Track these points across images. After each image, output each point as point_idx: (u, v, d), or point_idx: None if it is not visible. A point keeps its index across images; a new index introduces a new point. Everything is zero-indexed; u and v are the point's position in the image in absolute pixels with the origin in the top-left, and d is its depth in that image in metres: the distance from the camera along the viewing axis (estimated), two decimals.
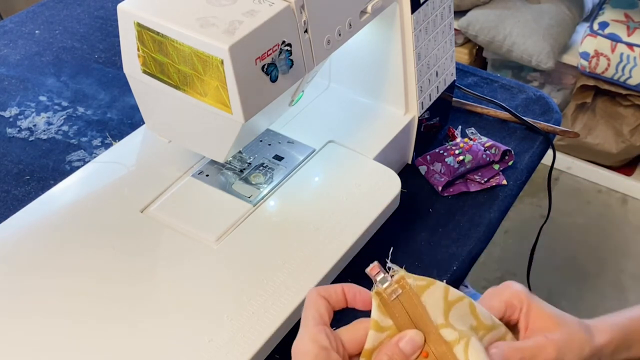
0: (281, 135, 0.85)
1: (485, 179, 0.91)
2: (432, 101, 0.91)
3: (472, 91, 1.03)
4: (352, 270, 0.73)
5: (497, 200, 0.90)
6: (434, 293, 0.50)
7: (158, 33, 0.64)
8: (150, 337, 0.65)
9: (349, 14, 0.74)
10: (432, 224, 0.87)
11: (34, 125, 0.99)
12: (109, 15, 1.23)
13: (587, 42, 1.86)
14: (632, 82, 1.84)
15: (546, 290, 1.79)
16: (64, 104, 1.03)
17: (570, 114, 1.99)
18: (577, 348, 0.54)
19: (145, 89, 0.71)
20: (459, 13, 2.00)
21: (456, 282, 0.82)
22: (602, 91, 1.95)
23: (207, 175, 0.80)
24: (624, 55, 1.81)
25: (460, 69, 1.10)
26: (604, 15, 1.89)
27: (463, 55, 2.07)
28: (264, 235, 0.74)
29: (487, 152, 0.92)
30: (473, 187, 0.91)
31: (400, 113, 0.89)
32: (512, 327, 0.55)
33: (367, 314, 0.51)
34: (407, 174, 0.92)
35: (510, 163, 0.94)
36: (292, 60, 0.67)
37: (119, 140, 0.90)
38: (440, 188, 0.90)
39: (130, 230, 0.74)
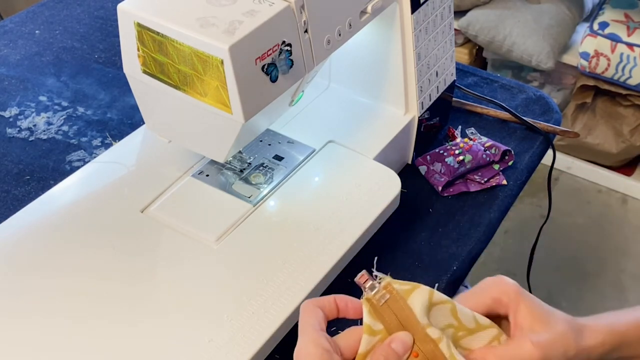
0: (281, 135, 0.85)
1: (485, 179, 0.91)
2: (432, 101, 0.91)
3: (472, 91, 1.03)
4: (352, 270, 0.73)
5: (497, 200, 0.90)
6: (419, 296, 0.53)
7: (158, 33, 0.64)
8: (150, 337, 0.65)
9: (349, 14, 0.74)
10: (432, 224, 0.87)
11: (34, 125, 0.99)
12: (109, 15, 1.23)
13: (587, 42, 1.86)
14: (632, 82, 1.84)
15: (546, 290, 1.79)
16: (64, 104, 1.03)
17: (570, 114, 1.99)
18: (562, 347, 0.53)
19: (145, 89, 0.71)
20: (459, 13, 2.00)
21: (456, 282, 0.82)
22: (602, 91, 1.95)
23: (207, 175, 0.80)
24: (624, 55, 1.81)
25: (460, 69, 1.10)
26: (604, 15, 1.89)
27: (463, 55, 2.07)
28: (264, 235, 0.74)
29: (487, 152, 0.92)
30: (473, 187, 0.91)
31: (400, 113, 0.89)
32: (504, 320, 0.56)
33: (358, 323, 0.53)
34: (407, 174, 0.92)
35: (510, 163, 0.94)
36: (292, 60, 0.67)
37: (119, 140, 0.90)
38: (440, 188, 0.90)
39: (130, 230, 0.74)
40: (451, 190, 0.91)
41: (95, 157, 0.92)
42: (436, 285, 0.79)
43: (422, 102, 0.89)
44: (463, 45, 2.07)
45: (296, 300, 0.67)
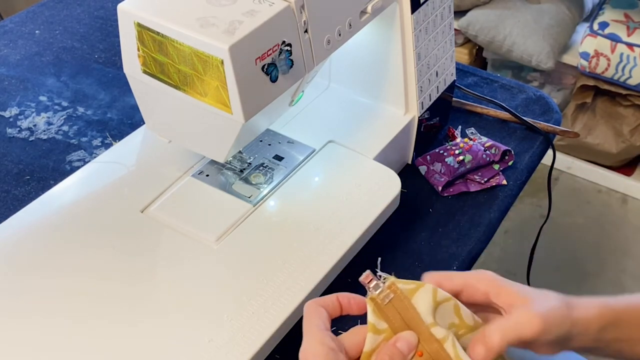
0: (281, 135, 0.85)
1: (485, 179, 0.91)
2: (432, 101, 0.91)
3: (472, 91, 1.03)
4: (352, 270, 0.73)
5: (497, 200, 0.90)
6: (423, 295, 0.53)
7: (158, 33, 0.64)
8: (150, 337, 0.65)
9: (349, 14, 0.74)
10: (432, 224, 0.87)
11: (34, 125, 0.99)
12: (109, 15, 1.23)
13: (587, 42, 1.86)
14: (632, 82, 1.84)
15: None
16: (64, 104, 1.03)
17: (570, 114, 1.99)
18: (559, 319, 0.53)
19: (145, 89, 0.71)
20: (459, 13, 2.00)
21: None
22: (602, 91, 1.95)
23: (207, 175, 0.80)
24: (624, 55, 1.81)
25: (460, 69, 1.10)
26: (604, 15, 1.88)
27: (463, 55, 2.07)
28: (264, 235, 0.74)
29: (487, 152, 0.92)
30: (473, 187, 0.91)
31: (400, 113, 0.89)
32: (481, 308, 0.56)
33: (363, 320, 0.53)
34: (407, 174, 0.92)
35: (510, 163, 0.94)
36: (292, 60, 0.67)
37: (119, 140, 0.90)
38: (440, 188, 0.90)
39: (130, 230, 0.74)
40: (451, 190, 0.91)
41: (95, 157, 0.92)
42: None
43: (422, 102, 0.89)
44: (463, 45, 2.07)
45: (296, 300, 0.67)
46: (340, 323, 0.58)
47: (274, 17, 0.63)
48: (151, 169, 0.81)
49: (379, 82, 0.88)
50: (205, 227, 0.74)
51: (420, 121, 0.90)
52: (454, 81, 0.96)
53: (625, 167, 2.06)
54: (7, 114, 1.01)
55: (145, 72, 0.68)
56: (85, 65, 1.11)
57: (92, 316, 0.66)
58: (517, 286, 0.55)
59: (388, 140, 0.86)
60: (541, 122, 1.01)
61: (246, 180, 0.79)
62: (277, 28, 0.64)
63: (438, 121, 0.96)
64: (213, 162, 0.81)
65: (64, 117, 1.01)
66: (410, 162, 0.94)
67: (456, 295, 0.55)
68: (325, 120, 0.88)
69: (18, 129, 0.99)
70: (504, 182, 0.92)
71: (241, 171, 0.80)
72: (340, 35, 0.73)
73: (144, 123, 0.80)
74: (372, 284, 0.53)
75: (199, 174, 0.80)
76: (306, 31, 0.68)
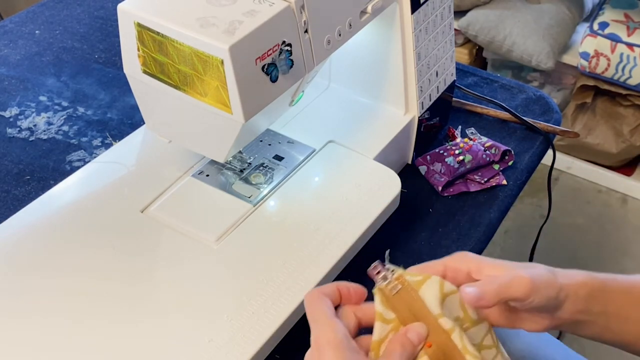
0: (281, 135, 0.85)
1: (485, 179, 0.91)
2: (432, 101, 0.91)
3: (472, 91, 1.03)
4: (352, 270, 0.73)
5: (497, 200, 0.90)
6: (430, 287, 0.54)
7: (158, 33, 0.64)
8: (150, 337, 0.65)
9: (349, 14, 0.74)
10: (432, 224, 0.87)
11: (34, 125, 0.99)
12: (109, 15, 1.23)
13: (587, 42, 1.86)
14: (632, 82, 1.84)
15: None
16: (64, 104, 1.03)
17: (570, 114, 1.99)
18: (547, 282, 0.53)
19: (145, 89, 0.71)
20: (459, 13, 2.00)
21: None
22: (602, 91, 1.95)
23: (207, 175, 0.80)
24: (624, 55, 1.81)
25: (460, 69, 1.10)
26: (604, 15, 1.89)
27: (463, 55, 2.07)
28: (264, 235, 0.74)
29: (487, 152, 0.92)
30: (473, 187, 0.91)
31: (400, 113, 0.89)
32: None
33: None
34: (407, 174, 0.92)
35: (510, 163, 0.94)
36: (292, 60, 0.67)
37: (119, 140, 0.90)
38: (440, 188, 0.90)
39: (130, 230, 0.74)
40: (451, 190, 0.91)
41: (95, 157, 0.92)
42: None
43: (422, 102, 0.89)
44: (463, 45, 2.07)
45: (296, 300, 0.67)
46: None
47: (274, 17, 0.63)
48: (151, 169, 0.81)
49: (379, 82, 0.88)
50: (205, 227, 0.74)
51: (420, 121, 0.90)
52: (454, 81, 0.96)
53: (625, 167, 2.06)
54: (7, 114, 1.01)
55: (145, 72, 0.68)
56: (85, 65, 1.11)
57: (92, 316, 0.66)
58: (499, 261, 0.56)
59: (388, 140, 0.86)
60: (541, 122, 1.01)
61: (246, 180, 0.79)
62: (277, 28, 0.64)
63: (438, 121, 0.96)
64: (213, 162, 0.81)
65: (64, 117, 1.01)
66: (410, 162, 0.94)
67: None
68: (325, 120, 0.88)
69: (18, 129, 0.99)
70: (504, 182, 0.92)
71: (241, 171, 0.80)
72: (340, 35, 0.73)
73: (144, 123, 0.80)
74: (380, 275, 0.54)
75: (199, 174, 0.80)
76: (306, 31, 0.68)
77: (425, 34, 0.85)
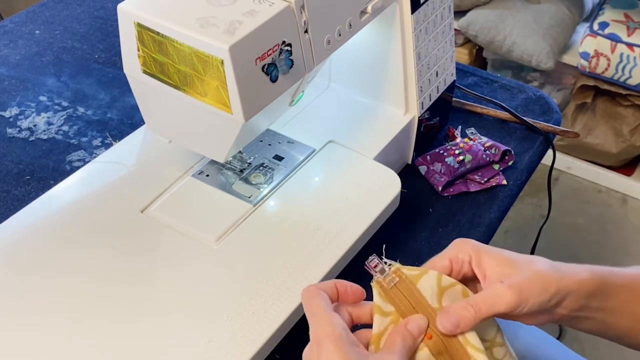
0: (281, 135, 0.85)
1: (485, 179, 0.91)
2: (432, 101, 0.91)
3: (472, 91, 1.03)
4: (352, 270, 0.73)
5: (497, 200, 0.90)
6: (428, 280, 0.54)
7: (158, 33, 0.64)
8: (150, 337, 0.65)
9: (349, 14, 0.74)
10: (432, 224, 0.87)
11: (34, 125, 0.99)
12: (109, 15, 1.23)
13: (587, 42, 1.86)
14: (632, 82, 1.84)
15: None
16: (64, 104, 1.03)
17: (570, 114, 1.99)
18: (541, 286, 0.52)
19: (145, 89, 0.71)
20: (459, 13, 2.00)
21: None
22: (602, 91, 1.95)
23: (207, 175, 0.80)
24: (624, 55, 1.81)
25: (460, 69, 1.10)
26: (604, 15, 1.89)
27: (463, 55, 2.07)
28: (264, 235, 0.74)
29: (487, 152, 0.92)
30: (473, 187, 0.91)
31: (400, 113, 0.89)
32: (472, 281, 0.56)
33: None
34: (407, 174, 0.92)
35: (510, 163, 0.94)
36: (292, 60, 0.67)
37: (119, 140, 0.90)
38: (440, 188, 0.90)
39: (130, 230, 0.74)
40: (451, 190, 0.91)
41: (95, 157, 0.92)
42: None
43: (422, 102, 0.89)
44: (463, 45, 2.07)
45: (296, 300, 0.67)
46: None
47: (274, 17, 0.63)
48: (151, 169, 0.81)
49: (379, 82, 0.88)
50: (205, 227, 0.74)
51: (420, 121, 0.90)
52: (454, 81, 0.96)
53: (625, 167, 2.06)
54: (7, 114, 1.01)
55: (145, 72, 0.68)
56: (85, 65, 1.11)
57: (92, 316, 0.66)
58: (498, 256, 0.54)
59: (388, 140, 0.86)
60: (541, 122, 1.01)
61: (246, 180, 0.79)
62: (277, 28, 0.64)
63: (438, 121, 0.96)
64: (213, 162, 0.81)
65: (64, 117, 1.01)
66: (410, 162, 0.94)
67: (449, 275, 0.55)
68: (325, 120, 0.88)
69: (18, 129, 0.99)
70: (504, 182, 0.92)
71: (241, 171, 0.80)
72: (340, 35, 0.73)
73: (144, 123, 0.80)
74: (377, 268, 0.54)
75: (199, 174, 0.80)
76: (306, 31, 0.68)
77: (425, 34, 0.85)
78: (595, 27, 1.86)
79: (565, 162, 2.09)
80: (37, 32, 1.18)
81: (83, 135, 0.98)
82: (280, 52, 0.65)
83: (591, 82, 1.93)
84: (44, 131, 0.98)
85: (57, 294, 0.68)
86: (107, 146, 0.95)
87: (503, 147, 0.93)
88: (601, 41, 1.83)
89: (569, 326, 0.57)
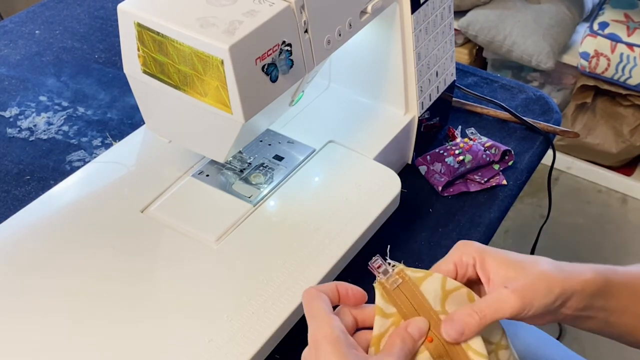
0: (281, 135, 0.85)
1: (485, 179, 0.91)
2: (432, 101, 0.91)
3: (472, 91, 1.03)
4: (352, 270, 0.73)
5: (497, 200, 0.90)
6: (432, 283, 0.54)
7: (158, 33, 0.64)
8: (150, 337, 0.65)
9: (349, 14, 0.74)
10: (432, 224, 0.87)
11: (34, 125, 0.99)
12: (109, 15, 1.23)
13: (587, 42, 1.86)
14: (632, 82, 1.84)
15: None
16: (64, 104, 1.03)
17: (570, 114, 1.99)
18: (545, 288, 0.52)
19: (145, 89, 0.71)
20: (459, 13, 2.00)
21: None
22: (602, 91, 1.95)
23: (207, 175, 0.80)
24: (624, 55, 1.81)
25: (460, 69, 1.10)
26: (604, 15, 1.89)
27: (463, 55, 2.07)
28: (264, 235, 0.74)
29: (487, 152, 0.92)
30: (473, 187, 0.91)
31: (400, 113, 0.89)
32: (476, 284, 0.56)
33: None
34: (407, 174, 0.92)
35: (510, 163, 0.94)
36: (292, 60, 0.67)
37: (119, 140, 0.90)
38: (440, 188, 0.90)
39: (130, 230, 0.74)
40: (451, 190, 0.91)
41: (95, 157, 0.92)
42: None
43: (422, 102, 0.89)
44: (463, 45, 2.07)
45: (296, 301, 0.67)
46: None
47: (274, 17, 0.63)
48: (151, 169, 0.81)
49: (379, 82, 0.88)
50: (205, 227, 0.74)
51: (420, 121, 0.90)
52: (454, 81, 0.96)
53: (625, 167, 2.06)
54: (7, 114, 1.01)
55: (145, 72, 0.68)
56: (85, 65, 1.11)
57: (92, 316, 0.66)
58: (502, 258, 0.54)
59: (388, 140, 0.86)
60: (541, 122, 1.01)
61: (246, 180, 0.79)
62: (277, 28, 0.64)
63: (438, 121, 0.96)
64: (213, 162, 0.81)
65: (64, 117, 1.01)
66: (410, 162, 0.94)
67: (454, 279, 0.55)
68: (325, 120, 0.88)
69: (18, 129, 0.99)
70: (504, 182, 0.92)
71: (241, 171, 0.80)
72: (340, 35, 0.73)
73: (144, 123, 0.80)
74: (381, 269, 0.54)
75: (199, 174, 0.80)
76: (306, 31, 0.68)
77: (425, 34, 0.85)
78: (595, 27, 1.86)
79: (565, 162, 2.09)
80: (37, 32, 1.18)
81: (83, 135, 0.98)
82: (280, 52, 0.65)
83: (591, 82, 1.93)
84: (44, 131, 0.98)
85: (57, 294, 0.68)
86: (107, 146, 0.95)
87: (503, 147, 0.93)
88: (601, 41, 1.83)
89: (572, 325, 0.57)
